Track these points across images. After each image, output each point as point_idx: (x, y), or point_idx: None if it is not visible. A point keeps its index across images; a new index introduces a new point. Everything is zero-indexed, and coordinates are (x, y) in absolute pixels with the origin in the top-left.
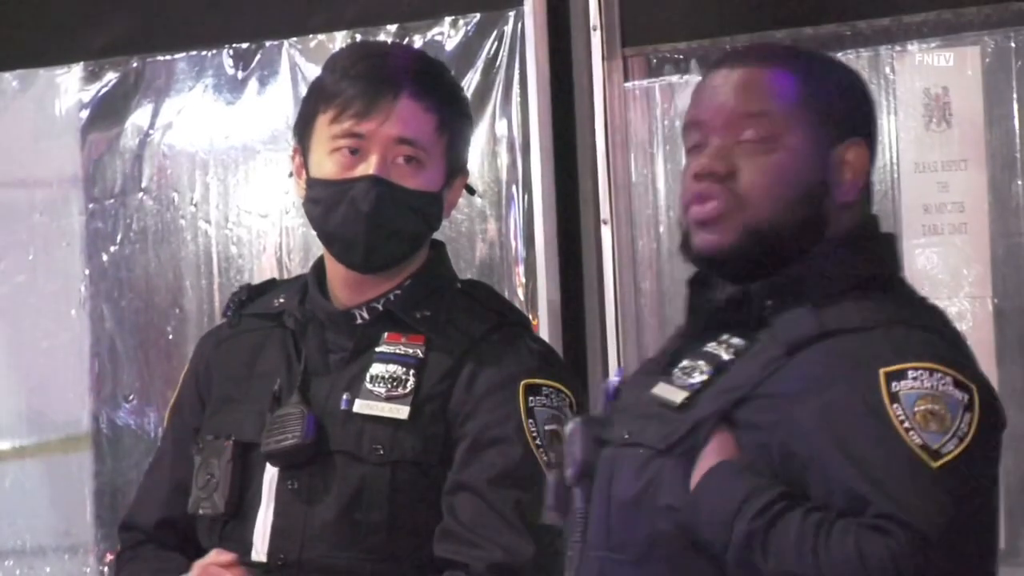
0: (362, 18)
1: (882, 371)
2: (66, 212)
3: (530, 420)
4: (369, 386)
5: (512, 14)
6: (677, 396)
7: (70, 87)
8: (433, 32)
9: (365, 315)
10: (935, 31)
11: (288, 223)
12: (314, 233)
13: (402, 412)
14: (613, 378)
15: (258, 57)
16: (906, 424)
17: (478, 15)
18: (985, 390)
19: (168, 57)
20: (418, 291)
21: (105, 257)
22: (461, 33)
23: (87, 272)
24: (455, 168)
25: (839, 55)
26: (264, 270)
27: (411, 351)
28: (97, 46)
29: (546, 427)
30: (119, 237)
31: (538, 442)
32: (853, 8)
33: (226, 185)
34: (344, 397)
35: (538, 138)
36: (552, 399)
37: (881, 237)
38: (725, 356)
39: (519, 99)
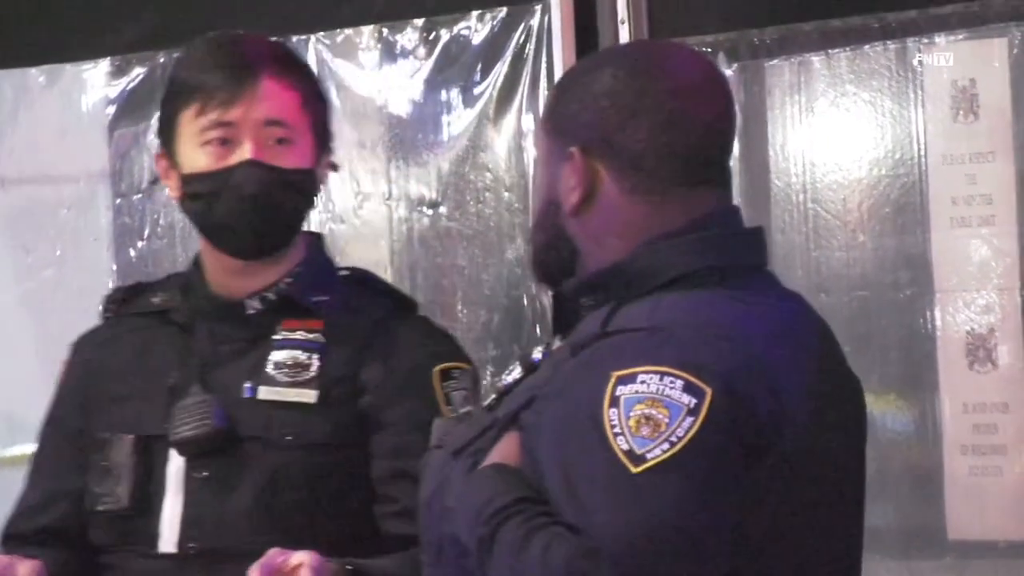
0: (388, 12)
1: (615, 374)
2: (93, 207)
3: (448, 406)
4: (272, 373)
5: (539, 7)
6: (489, 398)
7: (97, 82)
8: (460, 26)
9: (257, 304)
10: (962, 23)
11: (315, 218)
12: (342, 227)
13: (310, 396)
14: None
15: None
16: (616, 429)
17: (505, 9)
18: (731, 395)
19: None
20: (309, 278)
21: (132, 252)
22: (488, 27)
23: (114, 267)
24: (323, 144)
25: (866, 47)
26: None
27: (311, 336)
28: (123, 41)
29: (464, 409)
30: (146, 232)
31: None
32: (881, 0)
33: None
34: (247, 385)
35: None
36: (463, 380)
37: (719, 230)
38: (536, 357)
39: (546, 92)
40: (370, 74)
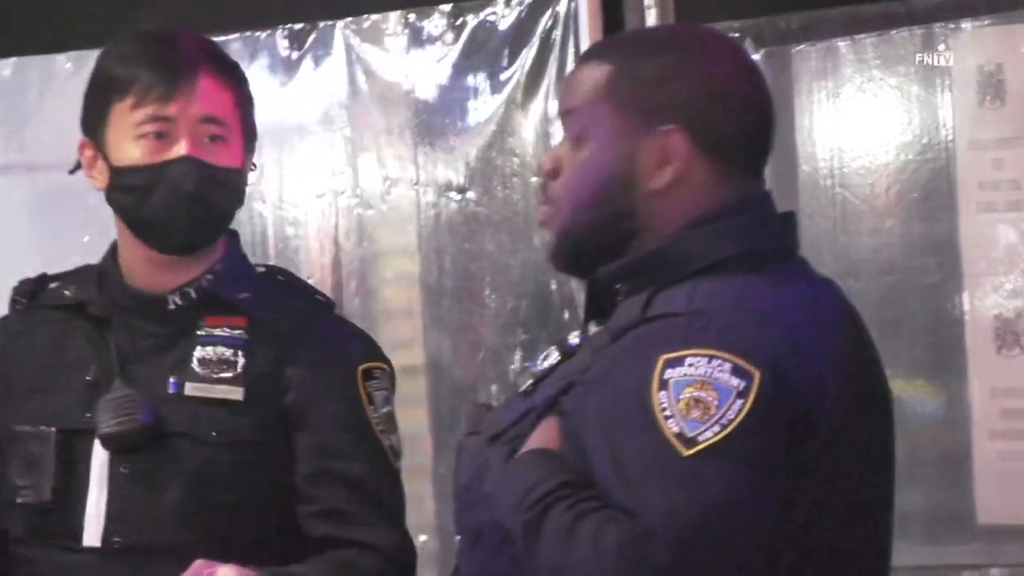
0: None
1: (662, 357)
2: None
3: (371, 406)
4: (198, 369)
5: None
6: (525, 383)
7: None
8: (487, 11)
9: (178, 300)
10: (989, 8)
11: (343, 204)
12: (370, 213)
13: (236, 393)
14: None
15: (312, 37)
16: (667, 412)
17: None
18: (778, 378)
19: (223, 38)
20: (229, 274)
21: None
22: (515, 12)
23: None
24: (250, 144)
25: (893, 33)
26: (319, 250)
27: (236, 332)
28: (151, 27)
29: (383, 410)
30: None
31: (381, 428)
32: None
33: (281, 166)
34: (171, 380)
35: None
36: (383, 380)
37: (749, 213)
38: (573, 343)
39: None
40: (397, 59)
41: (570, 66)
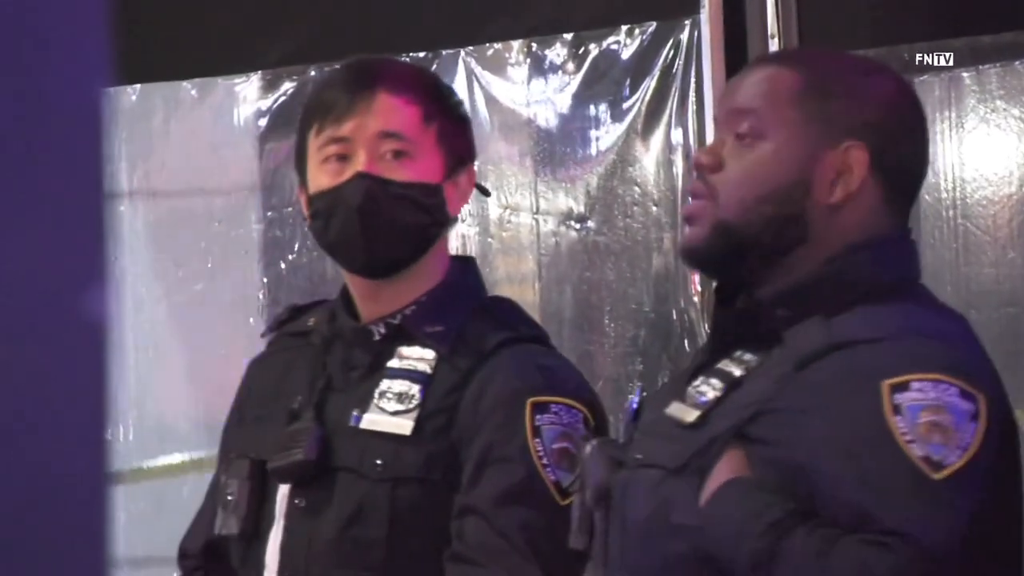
0: (538, 27)
1: (885, 383)
2: (244, 220)
3: (536, 439)
4: (378, 402)
5: (688, 22)
6: (689, 415)
7: (248, 96)
8: (609, 41)
9: (382, 330)
10: None
11: (464, 231)
12: (489, 240)
13: (405, 428)
14: (633, 398)
15: (435, 66)
16: (908, 436)
17: (654, 24)
18: (995, 399)
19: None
20: (433, 305)
21: (283, 265)
22: (637, 42)
23: (265, 280)
24: (455, 160)
25: (1017, 64)
26: None
27: (420, 367)
28: (275, 55)
29: (554, 446)
30: (296, 245)
31: (545, 462)
32: None
33: None
34: (354, 413)
35: None
36: (562, 416)
37: (900, 242)
38: (737, 372)
39: (695, 107)
40: (519, 88)
41: (691, 96)
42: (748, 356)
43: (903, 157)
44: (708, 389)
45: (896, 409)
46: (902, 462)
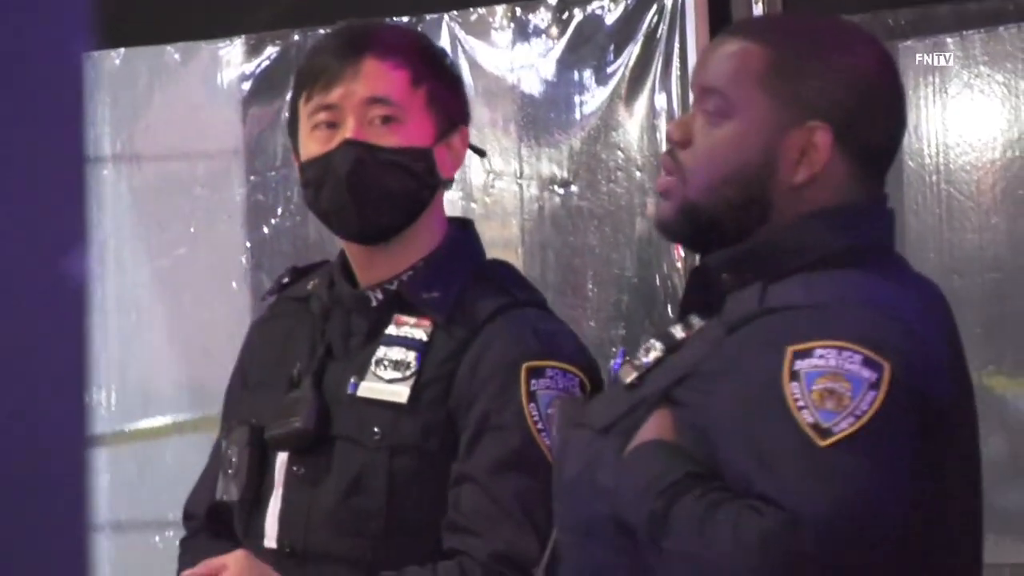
0: None
1: (790, 349)
2: (227, 185)
3: (531, 404)
4: (375, 369)
5: None
6: (629, 376)
7: (232, 60)
8: (593, 5)
9: (379, 296)
10: None
11: (447, 196)
12: (473, 206)
13: (402, 395)
14: (616, 359)
15: (419, 30)
16: (800, 402)
17: None
18: (907, 369)
19: (329, 30)
20: (431, 271)
21: (266, 229)
22: (621, 6)
23: (248, 244)
24: (446, 122)
25: (1000, 29)
26: None
27: (416, 334)
28: (258, 19)
29: (550, 411)
30: (280, 210)
31: (540, 427)
32: None
33: None
34: (352, 381)
35: None
36: (558, 380)
37: (864, 210)
38: (679, 335)
39: (679, 72)
40: (503, 53)
41: (675, 61)
42: (695, 320)
43: (873, 133)
44: (651, 351)
45: (794, 375)
46: (789, 428)
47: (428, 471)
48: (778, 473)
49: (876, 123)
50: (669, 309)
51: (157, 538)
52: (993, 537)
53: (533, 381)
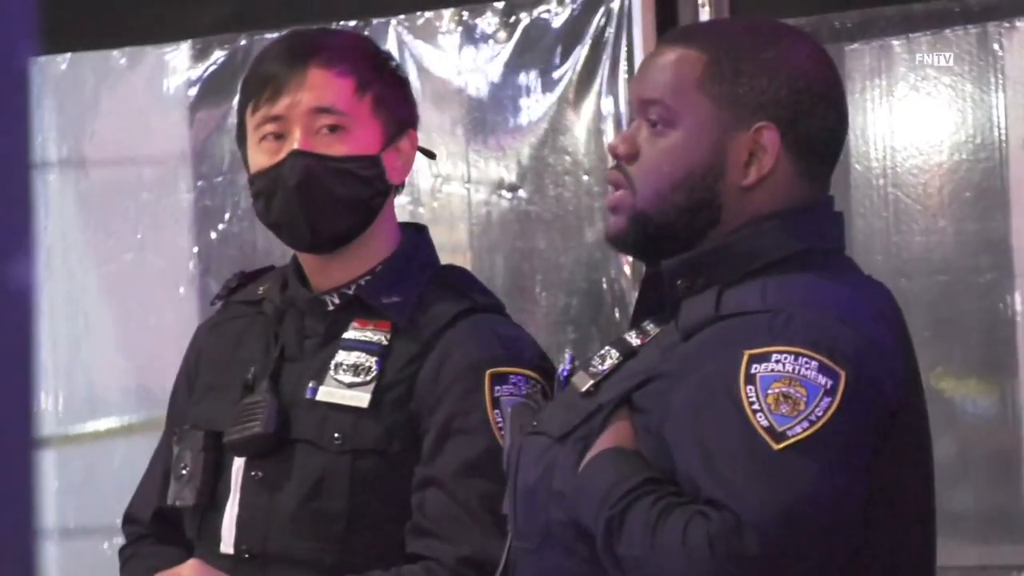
0: None
1: (747, 353)
2: (174, 190)
3: (496, 411)
4: (334, 374)
5: None
6: (584, 384)
7: (178, 65)
8: (540, 9)
9: (336, 300)
10: None
11: (396, 200)
12: (421, 210)
13: (363, 400)
14: (565, 365)
15: (365, 34)
16: (755, 406)
17: None
18: (862, 375)
19: (276, 34)
20: (389, 276)
21: (213, 235)
22: (568, 10)
23: (195, 250)
24: (394, 127)
25: (947, 31)
26: None
27: (376, 338)
28: (205, 24)
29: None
30: (227, 215)
31: (503, 433)
32: None
33: None
34: (310, 385)
35: None
36: (520, 387)
37: (814, 212)
38: (634, 342)
39: (626, 76)
40: (450, 57)
41: (623, 64)
42: (651, 326)
43: (816, 129)
44: (607, 358)
45: (749, 379)
46: (742, 431)
47: (390, 473)
48: (728, 476)
49: (818, 118)
50: (616, 313)
51: (106, 544)
52: (941, 540)
53: (496, 388)
